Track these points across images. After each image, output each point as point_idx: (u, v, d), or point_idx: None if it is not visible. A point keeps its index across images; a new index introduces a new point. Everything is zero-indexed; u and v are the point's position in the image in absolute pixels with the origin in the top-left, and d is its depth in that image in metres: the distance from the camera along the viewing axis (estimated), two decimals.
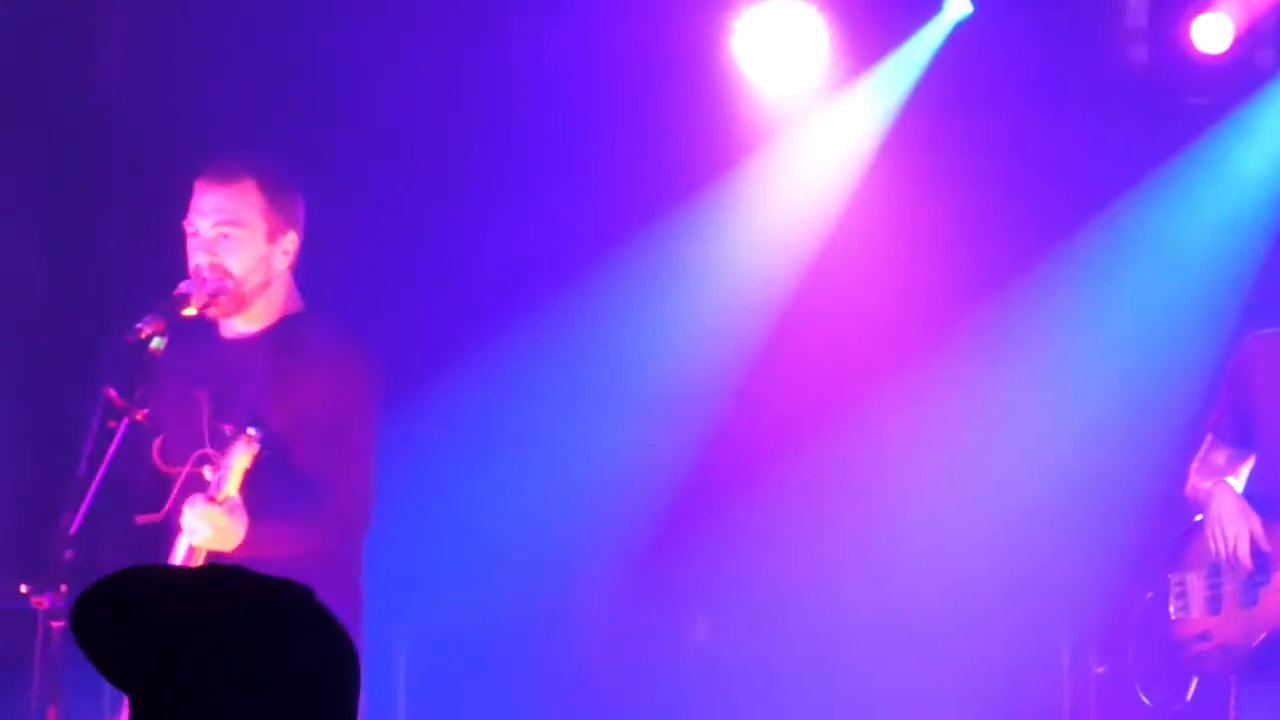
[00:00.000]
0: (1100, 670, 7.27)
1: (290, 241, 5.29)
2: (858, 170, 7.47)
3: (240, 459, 4.95)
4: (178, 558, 5.10)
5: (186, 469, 5.12)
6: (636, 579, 7.58)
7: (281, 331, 5.30)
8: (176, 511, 5.10)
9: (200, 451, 5.09)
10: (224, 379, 5.28)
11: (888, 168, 7.43)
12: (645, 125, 7.29)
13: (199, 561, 5.04)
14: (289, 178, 5.38)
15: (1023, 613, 7.34)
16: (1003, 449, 7.51)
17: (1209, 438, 5.66)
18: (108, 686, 6.33)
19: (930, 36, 7.34)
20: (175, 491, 5.15)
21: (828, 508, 7.60)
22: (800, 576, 7.59)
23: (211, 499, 4.96)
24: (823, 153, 7.51)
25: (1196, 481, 5.66)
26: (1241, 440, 5.58)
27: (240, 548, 5.00)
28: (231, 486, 4.96)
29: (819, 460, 7.55)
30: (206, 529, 4.98)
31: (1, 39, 6.97)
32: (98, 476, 5.17)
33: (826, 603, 7.59)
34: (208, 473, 5.00)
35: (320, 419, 5.13)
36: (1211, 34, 7.04)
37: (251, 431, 4.94)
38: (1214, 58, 7.09)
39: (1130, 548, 7.07)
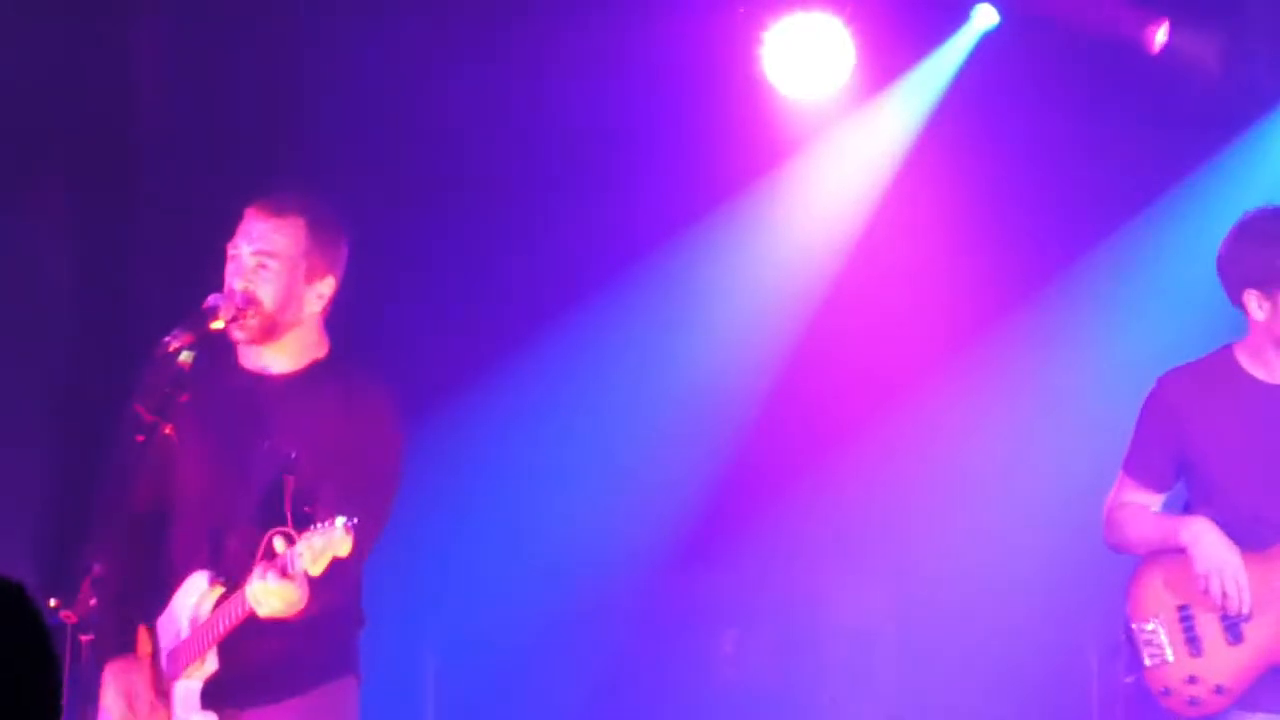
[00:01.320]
0: (1129, 680, 7.23)
1: (327, 286, 5.28)
2: (885, 180, 7.48)
3: (338, 547, 4.85)
4: (205, 607, 5.09)
5: (261, 546, 5.02)
6: (665, 590, 7.62)
7: (313, 378, 5.29)
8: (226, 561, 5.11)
9: (279, 530, 4.99)
10: (255, 417, 5.25)
11: (915, 177, 7.43)
12: (676, 135, 7.34)
13: (238, 621, 5.00)
14: (339, 221, 5.37)
15: (1051, 623, 7.34)
16: (1032, 458, 7.52)
17: (1123, 479, 5.61)
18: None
19: (958, 47, 7.35)
20: (230, 555, 5.12)
21: (855, 519, 7.63)
22: (827, 588, 7.63)
23: (285, 574, 4.89)
24: (851, 163, 7.53)
25: (1118, 527, 5.60)
26: (1162, 484, 5.56)
27: (297, 615, 4.98)
28: (317, 568, 4.87)
29: (846, 472, 7.57)
30: (278, 604, 4.92)
31: (36, 51, 7.01)
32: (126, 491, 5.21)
33: (853, 614, 7.62)
34: (280, 546, 4.93)
35: (349, 468, 5.09)
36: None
37: (349, 522, 4.84)
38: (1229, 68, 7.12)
39: None
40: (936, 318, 7.45)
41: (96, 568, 5.15)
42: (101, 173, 7.17)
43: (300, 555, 4.84)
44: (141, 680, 5.17)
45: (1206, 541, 5.41)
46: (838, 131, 7.48)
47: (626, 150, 7.37)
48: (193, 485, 5.24)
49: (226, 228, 5.39)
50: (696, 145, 7.29)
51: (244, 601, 4.95)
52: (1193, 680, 5.48)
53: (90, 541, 5.24)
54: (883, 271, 7.51)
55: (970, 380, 7.50)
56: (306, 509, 4.94)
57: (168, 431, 5.25)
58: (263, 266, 5.22)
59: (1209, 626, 5.46)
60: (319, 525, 4.83)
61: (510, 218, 7.48)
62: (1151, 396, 5.56)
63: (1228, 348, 5.51)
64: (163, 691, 5.19)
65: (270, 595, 4.90)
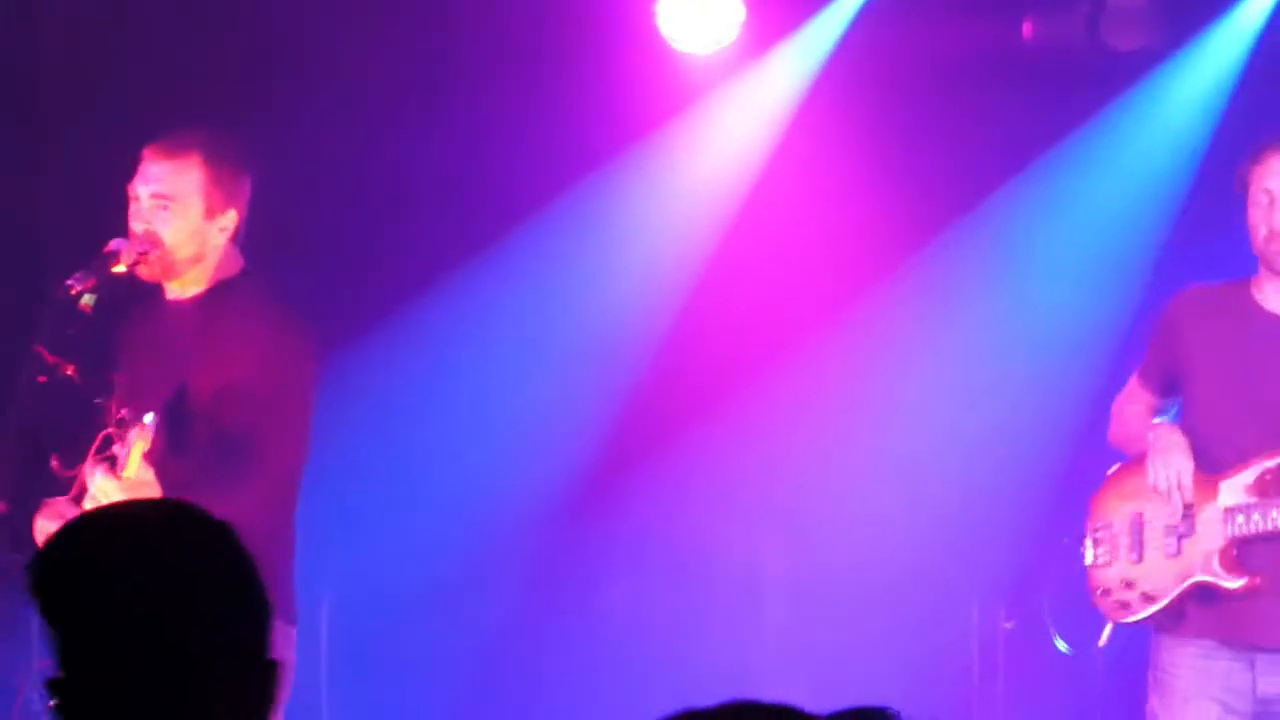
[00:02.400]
0: (1008, 626, 7.41)
1: (230, 219, 5.36)
2: (775, 134, 7.53)
3: (138, 446, 4.99)
4: None
5: (94, 447, 5.19)
6: (558, 538, 7.64)
7: (214, 296, 5.37)
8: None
9: (107, 430, 5.17)
10: (158, 344, 5.36)
11: (804, 132, 7.48)
12: (571, 88, 7.35)
13: None
14: (239, 156, 5.44)
15: (935, 571, 7.42)
16: (922, 408, 7.60)
17: (1135, 381, 5.73)
18: (35, 635, 6.42)
19: (845, 6, 7.44)
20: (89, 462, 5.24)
21: (745, 468, 7.68)
22: (717, 535, 7.67)
23: (115, 475, 5.04)
24: (742, 117, 7.58)
25: (1121, 423, 5.74)
26: (1163, 390, 5.66)
27: None
28: (131, 469, 5.00)
29: (737, 422, 7.62)
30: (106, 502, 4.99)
31: None
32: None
33: (743, 560, 7.69)
34: (116, 448, 5.07)
35: (252, 381, 5.17)
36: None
37: (147, 420, 4.99)
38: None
39: (1037, 512, 7.19)
40: (827, 270, 7.50)
41: (1, 507, 5.29)
42: (8, 124, 7.19)
43: (121, 459, 5.01)
44: None
45: (1165, 442, 5.52)
46: (730, 86, 7.53)
47: (526, 101, 7.40)
48: (121, 399, 5.34)
49: (131, 169, 5.48)
50: (595, 97, 7.34)
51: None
52: (1128, 585, 5.59)
53: None
54: (774, 223, 7.56)
55: (860, 332, 7.57)
56: (123, 412, 5.09)
57: (69, 372, 5.37)
58: (161, 208, 5.32)
59: (1154, 535, 5.56)
60: (133, 422, 4.99)
61: (410, 168, 7.48)
62: (1163, 309, 5.70)
63: (1251, 277, 5.61)
64: None
65: (104, 496, 5.02)
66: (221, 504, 5.04)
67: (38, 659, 6.66)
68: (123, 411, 5.09)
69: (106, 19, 7.20)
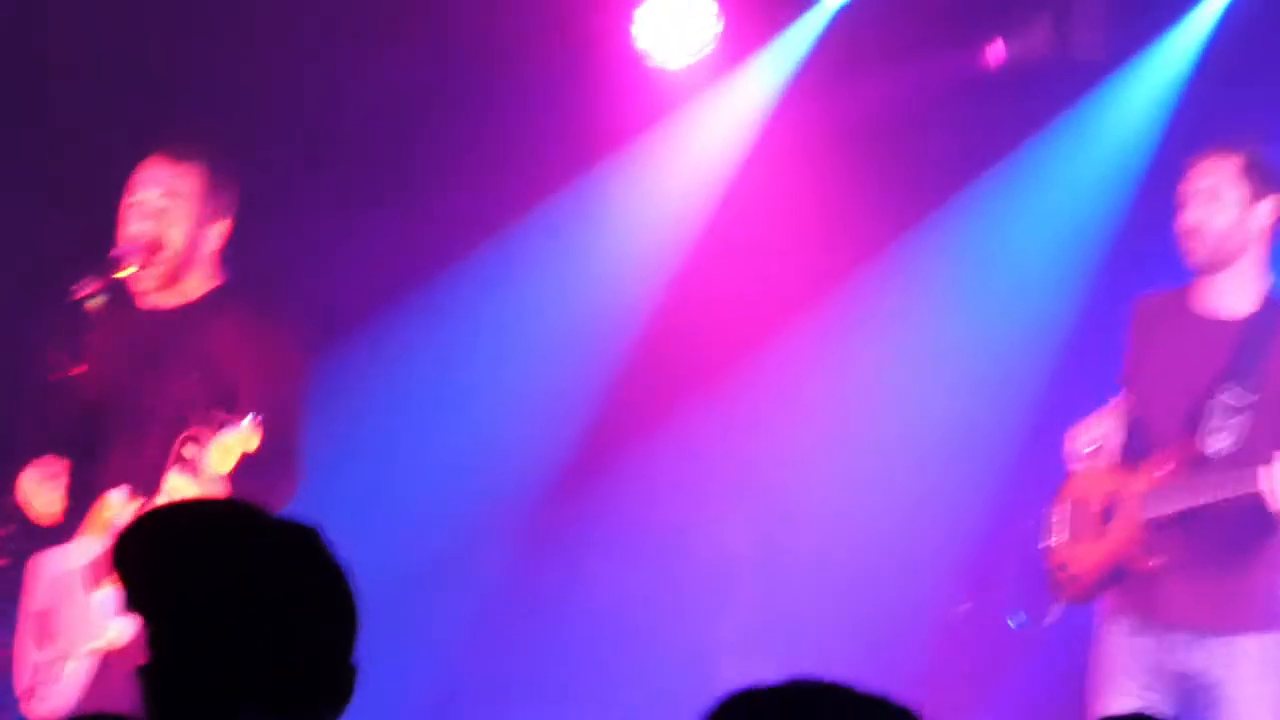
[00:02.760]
0: (962, 608, 7.62)
1: (221, 228, 5.59)
2: (747, 144, 7.70)
3: (244, 442, 5.09)
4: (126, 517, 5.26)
5: (174, 449, 5.25)
6: (538, 522, 7.81)
7: (207, 306, 5.56)
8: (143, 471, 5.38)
9: (190, 432, 5.21)
10: (158, 350, 5.52)
11: (778, 142, 7.66)
12: (550, 100, 7.52)
13: None
14: (233, 170, 5.66)
15: (893, 555, 7.60)
16: (886, 401, 7.77)
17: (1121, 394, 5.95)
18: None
19: (814, 20, 7.59)
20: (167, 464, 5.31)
21: (717, 457, 7.86)
22: (689, 520, 7.86)
23: (196, 475, 5.15)
24: (717, 129, 7.74)
25: None
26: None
27: None
28: (225, 467, 5.13)
29: (709, 413, 7.80)
30: None
31: None
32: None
33: (713, 544, 7.86)
34: (190, 451, 5.17)
35: (268, 392, 5.34)
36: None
37: (256, 416, 5.11)
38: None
39: (997, 501, 7.38)
40: (800, 270, 7.69)
41: (8, 499, 5.49)
42: (18, 124, 7.37)
43: (209, 453, 5.11)
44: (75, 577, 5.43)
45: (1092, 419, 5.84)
46: (704, 99, 7.69)
47: (505, 112, 7.57)
48: (110, 420, 5.52)
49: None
50: (573, 109, 7.51)
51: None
52: (1062, 567, 5.88)
53: (6, 478, 5.54)
54: (748, 226, 7.74)
55: (829, 330, 7.75)
56: (216, 413, 5.21)
57: (78, 373, 5.59)
58: (164, 209, 5.52)
59: (1085, 519, 5.83)
60: (227, 425, 5.11)
61: (389, 176, 7.65)
62: (1127, 319, 5.96)
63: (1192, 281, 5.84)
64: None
65: (175, 492, 5.15)
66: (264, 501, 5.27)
67: None
68: (215, 413, 5.20)
69: (115, 31, 7.34)
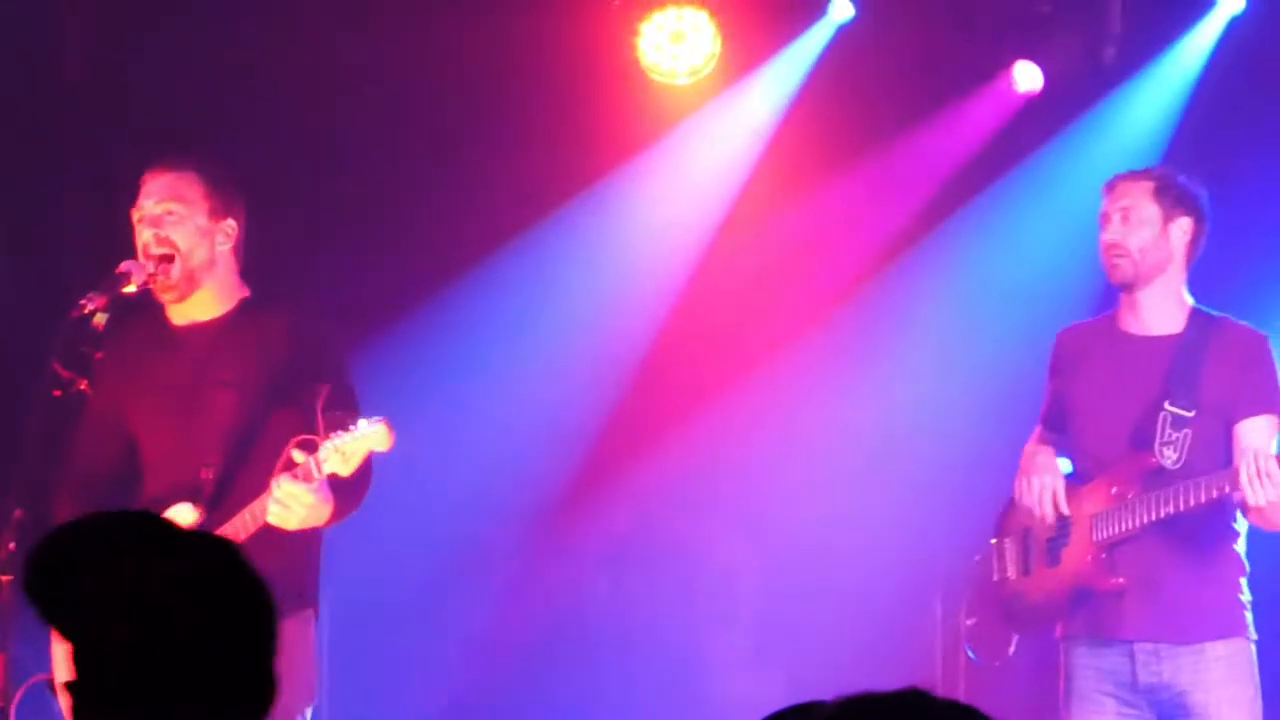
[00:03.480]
0: (970, 623, 7.64)
1: (231, 227, 5.58)
2: (749, 160, 7.77)
3: (372, 442, 5.11)
4: (243, 530, 5.29)
5: (286, 452, 5.25)
6: (545, 537, 7.85)
7: (246, 314, 5.56)
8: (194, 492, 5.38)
9: (298, 439, 5.24)
10: (194, 361, 5.51)
11: (777, 161, 7.71)
12: (552, 117, 7.59)
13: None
14: (230, 174, 5.69)
15: (899, 570, 7.64)
16: (886, 416, 7.82)
17: (1038, 428, 6.04)
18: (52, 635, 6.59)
19: (815, 38, 7.64)
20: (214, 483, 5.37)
21: (722, 473, 7.91)
22: (694, 535, 7.91)
23: (306, 479, 5.16)
24: (717, 146, 7.81)
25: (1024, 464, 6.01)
26: (1061, 427, 5.96)
27: (324, 524, 5.26)
28: (347, 468, 5.15)
29: (713, 430, 7.85)
30: (302, 512, 5.18)
31: None
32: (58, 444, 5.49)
33: (718, 558, 7.90)
34: (298, 455, 5.18)
35: (334, 396, 5.34)
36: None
37: (376, 424, 5.11)
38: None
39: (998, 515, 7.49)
40: (798, 286, 7.76)
41: (17, 513, 5.45)
42: (31, 154, 7.40)
43: (326, 459, 5.12)
44: None
45: (1029, 458, 5.92)
46: (707, 116, 7.76)
47: (507, 129, 7.64)
48: (153, 439, 5.51)
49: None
50: (575, 124, 7.57)
51: (260, 513, 5.19)
52: (1017, 596, 5.96)
53: (11, 491, 5.52)
54: (750, 243, 7.80)
55: (829, 346, 7.80)
56: (329, 415, 5.22)
57: (83, 388, 5.58)
58: (169, 213, 5.53)
59: (1037, 549, 5.91)
60: (345, 428, 5.12)
61: (392, 186, 7.70)
62: (1051, 350, 6.05)
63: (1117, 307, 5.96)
64: None
65: (293, 500, 5.17)
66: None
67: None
68: (328, 415, 5.21)
69: (124, 47, 7.42)
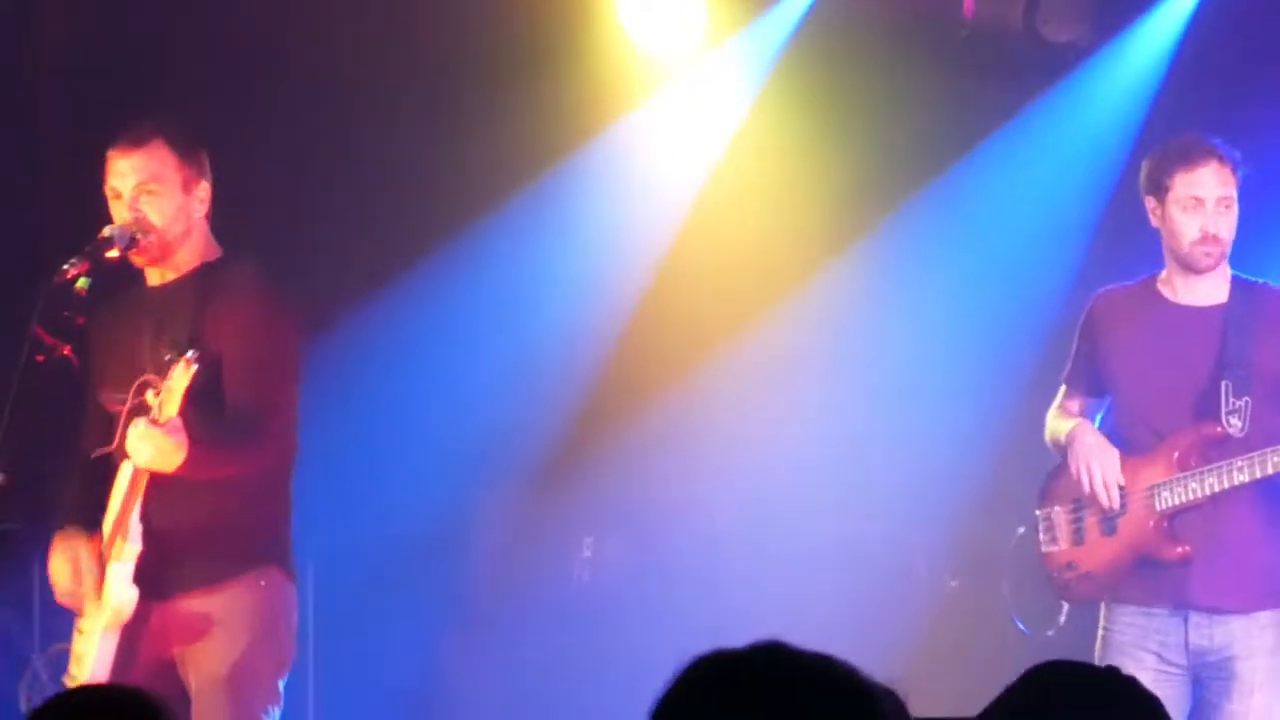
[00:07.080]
0: (953, 584, 7.70)
1: (204, 190, 5.61)
2: (732, 125, 7.78)
3: (180, 380, 5.14)
4: (121, 484, 5.38)
5: (130, 399, 5.36)
6: (527, 502, 7.89)
7: (203, 275, 5.60)
8: (124, 440, 5.39)
9: (142, 379, 5.34)
10: (154, 322, 5.56)
11: (758, 128, 7.73)
12: (536, 85, 7.61)
13: (142, 485, 5.29)
14: (193, 133, 5.70)
15: (884, 533, 7.70)
16: (864, 389, 7.84)
17: (1063, 389, 6.03)
18: (37, 603, 6.67)
19: (796, 5, 7.63)
20: (122, 423, 5.42)
21: (705, 436, 7.94)
22: (678, 499, 7.93)
23: (153, 421, 5.20)
24: (700, 109, 7.81)
25: (1054, 426, 6.01)
26: (1092, 390, 5.97)
27: (180, 469, 5.26)
28: (172, 407, 5.16)
29: (697, 393, 7.89)
30: (149, 450, 5.21)
31: None
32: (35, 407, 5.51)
33: (702, 522, 7.92)
34: (150, 398, 5.22)
35: (244, 353, 5.41)
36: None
37: (190, 354, 5.15)
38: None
39: (985, 478, 7.47)
40: (783, 251, 7.77)
41: (1, 476, 5.49)
42: (8, 113, 7.42)
43: (162, 399, 5.16)
44: (88, 553, 5.49)
45: (1081, 441, 5.87)
46: (688, 81, 7.77)
47: (489, 98, 7.65)
48: (119, 393, 5.55)
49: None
50: (559, 92, 7.59)
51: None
52: (1070, 566, 5.94)
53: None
54: (733, 208, 7.82)
55: (814, 310, 7.83)
56: (164, 353, 5.27)
57: (66, 352, 5.61)
58: (147, 193, 5.54)
59: (1091, 519, 5.90)
60: (172, 367, 5.16)
61: (376, 155, 7.72)
62: (1082, 316, 6.02)
63: (1156, 274, 5.93)
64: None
65: (140, 441, 5.22)
66: (229, 463, 5.37)
67: (41, 628, 6.91)
68: (164, 352, 5.26)
69: (103, 22, 7.42)
